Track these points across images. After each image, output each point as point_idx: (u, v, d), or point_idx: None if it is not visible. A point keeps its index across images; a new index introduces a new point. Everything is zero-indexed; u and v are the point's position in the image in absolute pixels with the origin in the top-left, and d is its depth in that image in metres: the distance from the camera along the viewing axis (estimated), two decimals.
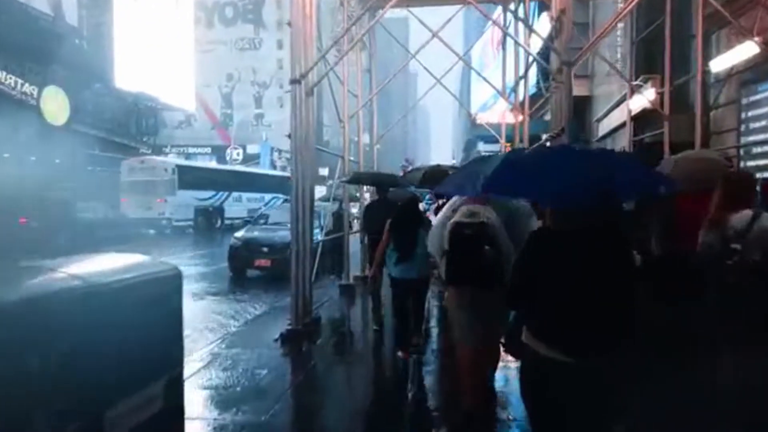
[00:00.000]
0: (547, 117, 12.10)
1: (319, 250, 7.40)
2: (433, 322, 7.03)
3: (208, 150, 55.00)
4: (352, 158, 9.86)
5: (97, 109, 34.87)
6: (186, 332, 6.35)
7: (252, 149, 54.51)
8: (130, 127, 38.29)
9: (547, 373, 2.33)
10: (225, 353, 5.55)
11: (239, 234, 10.97)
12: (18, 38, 25.46)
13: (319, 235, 8.96)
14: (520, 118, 11.25)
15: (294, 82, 6.07)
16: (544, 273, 2.37)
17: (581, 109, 16.88)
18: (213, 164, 39.59)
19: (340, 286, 8.91)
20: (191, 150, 55.82)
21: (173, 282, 2.59)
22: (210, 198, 27.71)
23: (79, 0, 32.28)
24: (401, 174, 14.46)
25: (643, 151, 10.84)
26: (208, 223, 27.20)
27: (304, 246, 6.17)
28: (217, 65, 63.81)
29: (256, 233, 10.84)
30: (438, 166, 8.92)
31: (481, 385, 4.14)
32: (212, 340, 6.12)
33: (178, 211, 24.41)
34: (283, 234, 8.95)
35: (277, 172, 40.79)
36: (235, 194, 29.90)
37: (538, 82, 16.28)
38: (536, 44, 12.61)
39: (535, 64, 11.76)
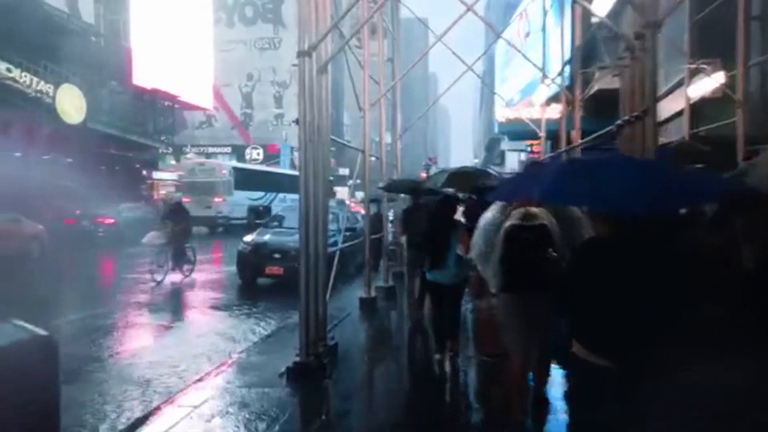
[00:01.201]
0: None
1: (336, 258, 6.26)
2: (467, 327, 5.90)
3: (228, 150, 54.69)
4: (373, 156, 8.72)
5: (114, 107, 34.36)
6: (177, 361, 5.40)
7: (272, 149, 53.98)
8: (147, 125, 37.78)
9: (598, 382, 2.30)
10: (217, 395, 4.41)
11: (249, 238, 9.86)
12: (33, 36, 24.91)
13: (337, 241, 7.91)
14: (552, 111, 9.99)
15: (302, 54, 4.94)
16: (598, 282, 2.33)
17: (611, 104, 15.37)
18: (263, 167, 40.14)
19: (361, 300, 7.74)
20: (211, 150, 55.72)
21: (42, 352, 2.27)
22: (260, 198, 28.74)
23: None
24: (423, 175, 14.22)
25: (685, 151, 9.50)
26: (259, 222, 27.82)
27: (315, 255, 5.05)
28: (237, 65, 63.64)
29: (267, 237, 9.72)
30: (463, 167, 8.85)
31: (533, 393, 4.07)
32: (205, 371, 5.01)
33: (235, 210, 25.68)
34: (298, 238, 7.88)
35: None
36: (281, 195, 30.80)
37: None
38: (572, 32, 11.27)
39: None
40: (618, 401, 2.22)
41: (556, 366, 4.26)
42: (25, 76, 26.13)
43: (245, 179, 27.82)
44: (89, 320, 7.56)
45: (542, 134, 11.69)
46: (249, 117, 67.13)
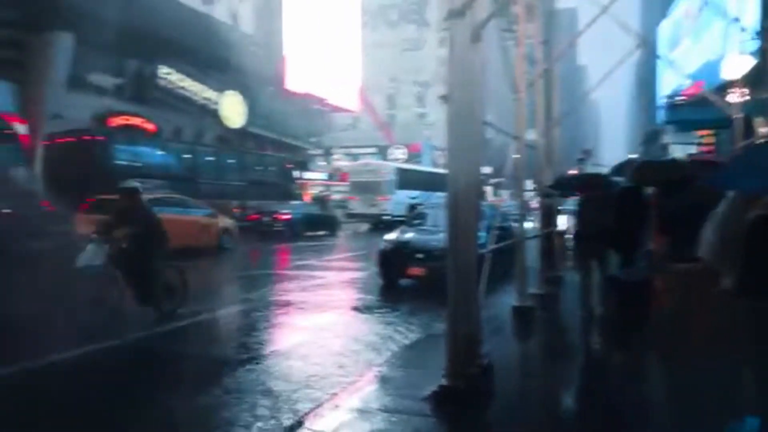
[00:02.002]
0: None
1: (488, 261, 5.36)
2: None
3: (373, 150, 56.11)
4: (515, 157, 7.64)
5: (270, 111, 36.67)
6: (310, 370, 4.91)
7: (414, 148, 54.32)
8: (299, 128, 39.84)
9: None
10: (353, 420, 3.71)
11: (391, 236, 9.30)
12: (201, 47, 27.32)
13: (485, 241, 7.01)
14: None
15: (453, 15, 4.12)
16: None
17: None
18: (423, 167, 41.19)
19: (515, 310, 6.72)
20: (356, 151, 57.64)
21: None
22: (418, 197, 29.28)
23: (255, 8, 34.11)
24: (574, 171, 13.20)
25: None
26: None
27: (466, 258, 4.22)
28: (381, 67, 65.14)
29: (409, 236, 9.07)
30: (632, 159, 8.65)
31: None
32: (339, 385, 4.42)
33: (397, 209, 26.40)
34: (443, 237, 7.14)
35: None
36: (436, 193, 30.64)
37: None
38: None
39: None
40: None
41: None
42: (195, 85, 28.79)
43: (406, 179, 28.77)
44: (230, 316, 7.52)
45: (738, 116, 9.63)
46: (392, 118, 68.42)
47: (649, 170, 5.22)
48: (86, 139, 17.63)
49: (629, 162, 7.50)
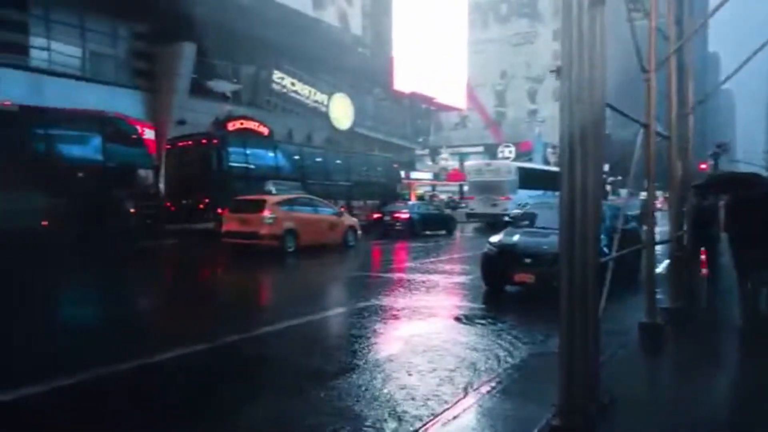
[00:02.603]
0: None
1: (609, 272, 4.49)
2: None
3: (481, 149, 54.90)
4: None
5: (377, 112, 36.88)
6: (397, 394, 4.33)
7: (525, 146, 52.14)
8: (406, 128, 39.72)
9: None
10: None
11: (495, 238, 8.50)
12: (312, 50, 28.04)
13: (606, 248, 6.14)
14: None
15: None
16: None
17: None
18: (544, 166, 40.12)
19: (642, 327, 5.70)
20: (464, 150, 56.73)
21: None
22: (538, 196, 28.36)
23: (363, 10, 34.46)
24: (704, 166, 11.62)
25: None
26: None
27: (583, 270, 3.47)
28: (491, 64, 63.39)
29: (516, 238, 8.20)
30: None
31: None
32: (431, 416, 3.81)
33: (518, 209, 26.14)
34: (554, 240, 6.28)
35: None
36: (556, 193, 29.77)
37: None
38: None
39: None
40: None
41: None
42: (305, 88, 29.63)
43: (527, 178, 28.06)
44: (328, 320, 7.25)
45: None
46: (501, 115, 66.34)
47: None
48: (203, 142, 18.60)
49: None
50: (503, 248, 8.05)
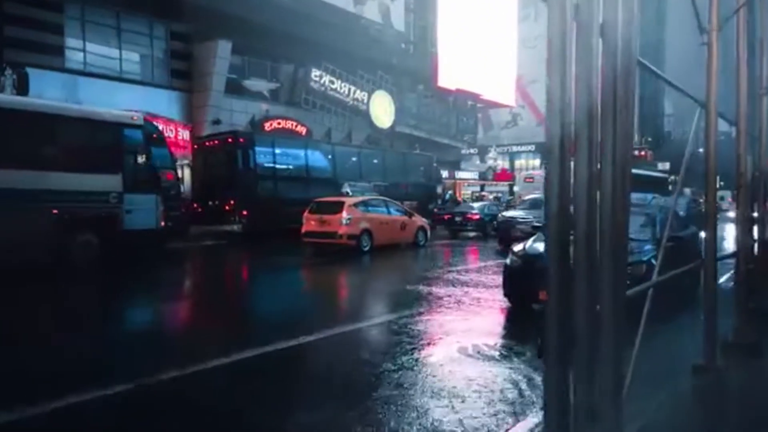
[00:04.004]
0: None
1: (649, 299, 3.23)
2: None
3: (532, 148, 52.72)
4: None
5: (420, 110, 35.75)
6: None
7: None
8: (450, 126, 38.39)
9: None
10: None
11: (519, 247, 7.17)
12: (352, 48, 27.23)
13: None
14: None
15: None
16: None
17: None
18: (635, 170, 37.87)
19: (696, 370, 4.27)
20: (515, 149, 54.69)
21: None
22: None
23: (407, 5, 33.41)
24: None
25: None
26: None
27: (609, 302, 2.33)
28: (545, 59, 60.95)
29: (542, 247, 6.92)
30: None
31: None
32: None
33: None
34: None
35: (653, 172, 34.35)
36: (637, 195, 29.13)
37: None
38: None
39: None
40: None
41: None
42: (345, 86, 28.86)
43: None
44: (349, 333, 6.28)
45: None
46: None
47: None
48: (229, 141, 18.07)
49: None
50: (527, 259, 6.72)
